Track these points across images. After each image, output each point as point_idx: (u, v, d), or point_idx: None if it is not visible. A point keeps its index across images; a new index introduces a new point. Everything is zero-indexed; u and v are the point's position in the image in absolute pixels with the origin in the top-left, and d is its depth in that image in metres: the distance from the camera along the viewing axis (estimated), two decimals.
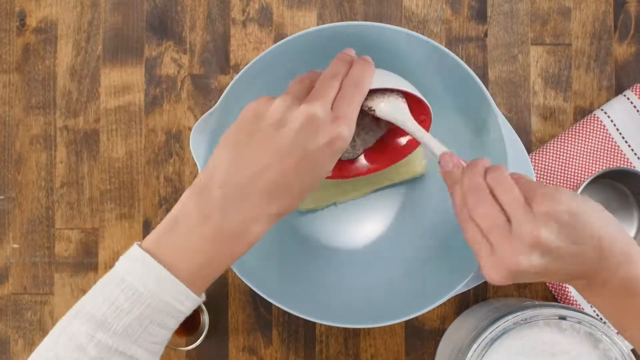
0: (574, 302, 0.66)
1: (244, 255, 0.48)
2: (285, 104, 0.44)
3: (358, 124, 0.54)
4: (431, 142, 0.50)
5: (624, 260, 0.43)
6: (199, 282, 0.45)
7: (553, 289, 0.67)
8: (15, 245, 0.69)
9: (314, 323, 0.67)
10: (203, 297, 0.47)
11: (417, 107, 0.53)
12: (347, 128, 0.44)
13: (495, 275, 0.43)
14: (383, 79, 0.50)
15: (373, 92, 0.52)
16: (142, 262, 0.43)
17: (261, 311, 0.68)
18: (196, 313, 0.66)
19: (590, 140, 0.67)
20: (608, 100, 0.69)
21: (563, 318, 0.54)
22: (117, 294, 0.43)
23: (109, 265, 0.68)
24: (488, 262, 0.44)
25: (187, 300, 0.44)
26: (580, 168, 0.67)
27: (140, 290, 0.42)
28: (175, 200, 0.68)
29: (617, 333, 0.64)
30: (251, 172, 0.43)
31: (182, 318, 0.45)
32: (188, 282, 0.44)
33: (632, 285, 0.43)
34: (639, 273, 0.43)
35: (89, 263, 0.69)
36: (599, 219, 0.44)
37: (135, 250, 0.44)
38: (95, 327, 0.42)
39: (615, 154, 0.68)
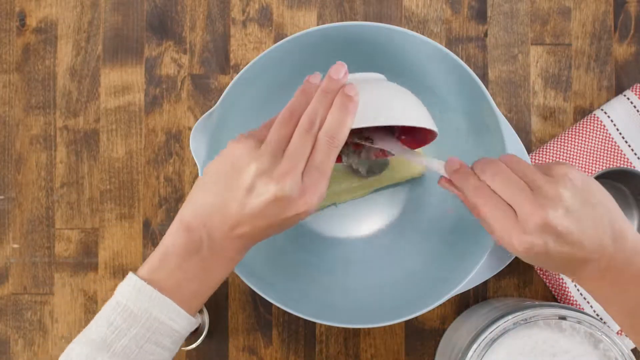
0: (574, 302, 0.66)
1: (244, 256, 0.49)
2: (261, 167, 0.46)
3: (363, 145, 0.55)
4: (432, 163, 0.51)
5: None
6: (191, 304, 0.48)
7: (553, 289, 0.67)
8: (15, 245, 0.69)
9: (314, 323, 0.67)
10: (198, 318, 0.50)
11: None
12: (316, 199, 0.47)
13: (523, 238, 0.44)
14: (372, 110, 0.48)
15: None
16: (133, 286, 0.46)
17: (261, 311, 0.68)
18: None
19: (590, 140, 0.67)
20: (608, 100, 0.69)
21: (563, 318, 0.54)
22: (114, 317, 0.46)
23: (109, 265, 0.68)
24: (513, 228, 0.44)
25: (179, 318, 0.47)
26: (580, 168, 0.67)
27: (135, 311, 0.46)
28: (175, 200, 0.68)
29: (619, 332, 0.64)
30: (229, 224, 0.47)
31: (178, 338, 0.48)
32: (180, 303, 0.47)
33: None
34: None
35: (89, 263, 0.69)
36: (608, 197, 0.46)
37: (129, 278, 0.47)
38: (96, 350, 0.45)
39: (615, 154, 0.68)
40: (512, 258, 0.59)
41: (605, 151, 0.67)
